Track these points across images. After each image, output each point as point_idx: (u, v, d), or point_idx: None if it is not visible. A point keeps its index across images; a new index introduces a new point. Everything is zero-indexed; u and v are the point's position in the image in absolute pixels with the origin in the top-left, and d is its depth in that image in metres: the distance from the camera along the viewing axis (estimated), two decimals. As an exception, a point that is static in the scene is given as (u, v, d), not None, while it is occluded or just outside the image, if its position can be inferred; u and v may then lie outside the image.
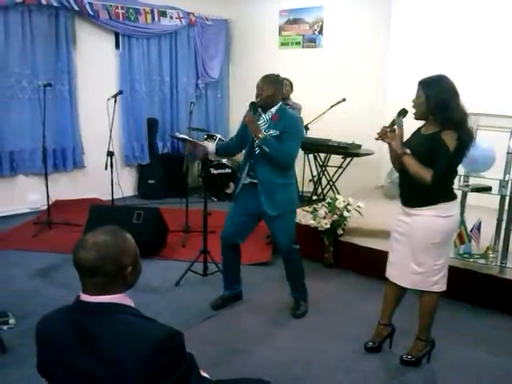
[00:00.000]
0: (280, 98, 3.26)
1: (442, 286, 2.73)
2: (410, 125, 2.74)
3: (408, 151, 2.60)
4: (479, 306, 3.55)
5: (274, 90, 3.17)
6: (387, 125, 2.68)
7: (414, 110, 2.66)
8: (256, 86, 3.19)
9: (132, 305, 1.42)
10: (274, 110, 3.20)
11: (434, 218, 2.61)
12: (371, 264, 3.95)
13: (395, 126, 2.66)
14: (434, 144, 2.54)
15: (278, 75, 3.27)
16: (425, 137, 2.63)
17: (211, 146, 3.54)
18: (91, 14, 5.89)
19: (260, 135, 3.11)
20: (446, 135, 2.52)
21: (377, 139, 2.73)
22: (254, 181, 3.24)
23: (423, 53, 5.36)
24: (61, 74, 5.79)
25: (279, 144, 3.12)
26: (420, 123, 2.74)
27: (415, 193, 2.64)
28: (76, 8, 5.67)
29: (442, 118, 2.54)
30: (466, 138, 2.54)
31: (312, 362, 2.87)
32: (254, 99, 3.20)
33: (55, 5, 5.49)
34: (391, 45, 5.81)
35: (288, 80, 4.97)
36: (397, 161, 2.67)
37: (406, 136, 2.75)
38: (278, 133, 3.14)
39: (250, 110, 3.17)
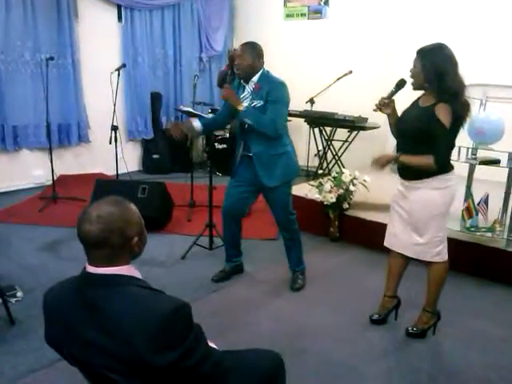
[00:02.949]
0: (261, 66, 3.08)
1: (443, 256, 2.75)
2: (411, 95, 2.70)
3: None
4: (486, 279, 3.55)
5: (252, 58, 3.04)
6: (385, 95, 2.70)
7: (412, 81, 2.61)
8: (234, 55, 3.09)
9: (139, 276, 1.40)
10: (255, 78, 3.07)
11: (432, 191, 2.61)
12: (377, 238, 3.91)
13: (393, 97, 2.68)
14: (429, 118, 2.50)
15: (255, 42, 3.12)
16: (421, 109, 2.60)
17: (197, 125, 3.33)
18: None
19: (240, 108, 3.01)
20: (439, 109, 2.47)
21: (375, 110, 2.74)
22: (250, 154, 3.18)
23: (432, 23, 5.23)
24: (63, 48, 5.71)
25: (261, 114, 3.02)
26: (418, 94, 2.69)
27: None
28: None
29: (438, 88, 2.49)
30: (460, 112, 2.49)
31: (318, 334, 2.89)
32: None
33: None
34: (399, 15, 5.68)
35: None
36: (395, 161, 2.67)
37: (403, 106, 2.74)
38: (262, 102, 3.03)
39: (229, 83, 3.09)
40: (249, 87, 3.11)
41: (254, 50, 3.07)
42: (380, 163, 2.65)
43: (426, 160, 2.52)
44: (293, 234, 3.39)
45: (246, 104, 3.09)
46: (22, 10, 5.31)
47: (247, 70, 3.06)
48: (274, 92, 3.01)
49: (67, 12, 5.65)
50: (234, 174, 3.32)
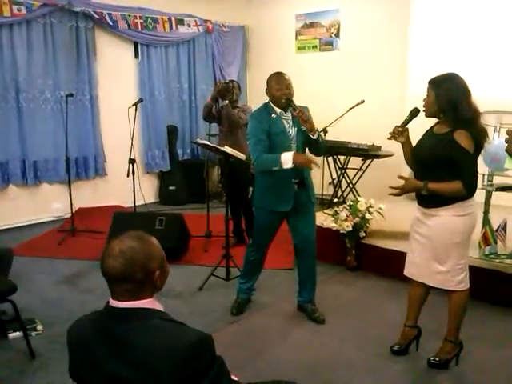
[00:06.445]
0: None
1: (466, 285, 2.72)
2: (423, 123, 2.73)
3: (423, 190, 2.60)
4: (507, 306, 3.49)
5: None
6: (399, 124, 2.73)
7: (424, 109, 2.65)
8: (283, 81, 3.14)
9: (161, 309, 1.42)
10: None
11: (453, 218, 2.59)
12: (395, 266, 3.89)
13: (407, 126, 2.71)
14: (449, 145, 2.51)
15: None
16: (439, 137, 2.61)
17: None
18: (110, 24, 5.99)
19: (315, 128, 3.13)
20: (459, 136, 2.49)
21: (389, 139, 2.76)
22: (297, 180, 3.23)
23: (444, 51, 5.30)
24: (82, 84, 5.90)
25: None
26: (432, 121, 2.72)
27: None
28: (96, 16, 5.79)
29: (452, 116, 2.52)
30: (479, 136, 2.52)
31: (338, 365, 2.85)
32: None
33: (76, 10, 5.61)
34: (410, 44, 5.76)
35: (236, 82, 4.95)
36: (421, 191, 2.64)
37: (418, 135, 2.76)
38: (302, 128, 3.15)
39: (291, 107, 3.13)
40: (286, 115, 3.18)
41: None
42: (406, 190, 2.65)
43: (455, 185, 2.51)
44: (314, 259, 3.40)
45: (293, 131, 3.18)
46: (43, 50, 5.53)
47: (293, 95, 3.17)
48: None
49: (86, 51, 5.87)
50: (289, 204, 3.23)
